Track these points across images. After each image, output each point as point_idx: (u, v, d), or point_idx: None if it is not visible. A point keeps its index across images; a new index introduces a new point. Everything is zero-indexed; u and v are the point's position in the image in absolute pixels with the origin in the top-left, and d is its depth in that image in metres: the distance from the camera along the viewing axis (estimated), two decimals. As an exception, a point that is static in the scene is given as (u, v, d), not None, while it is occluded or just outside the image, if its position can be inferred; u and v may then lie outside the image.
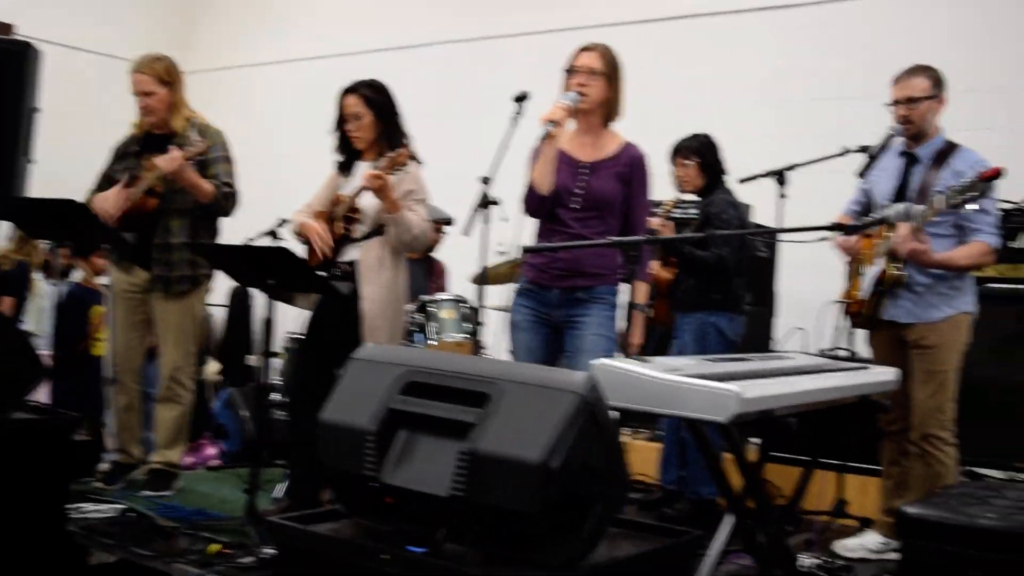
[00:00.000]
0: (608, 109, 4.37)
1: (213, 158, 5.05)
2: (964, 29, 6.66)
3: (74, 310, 7.03)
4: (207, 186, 4.97)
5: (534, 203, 4.31)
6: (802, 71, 7.26)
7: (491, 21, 8.84)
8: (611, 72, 4.31)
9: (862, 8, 7.11)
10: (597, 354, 4.10)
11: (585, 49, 4.33)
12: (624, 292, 4.49)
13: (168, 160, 4.82)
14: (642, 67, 7.72)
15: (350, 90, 4.76)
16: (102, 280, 6.79)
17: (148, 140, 5.15)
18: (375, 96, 4.74)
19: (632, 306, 4.44)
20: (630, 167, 4.37)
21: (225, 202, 5.08)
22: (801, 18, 7.36)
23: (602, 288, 4.32)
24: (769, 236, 5.95)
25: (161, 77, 5.07)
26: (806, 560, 4.29)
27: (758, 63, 7.50)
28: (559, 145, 4.32)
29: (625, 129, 4.50)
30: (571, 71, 4.33)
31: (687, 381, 2.58)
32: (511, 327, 4.45)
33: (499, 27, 8.74)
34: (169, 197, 5.03)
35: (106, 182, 5.18)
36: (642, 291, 4.43)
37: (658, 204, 5.62)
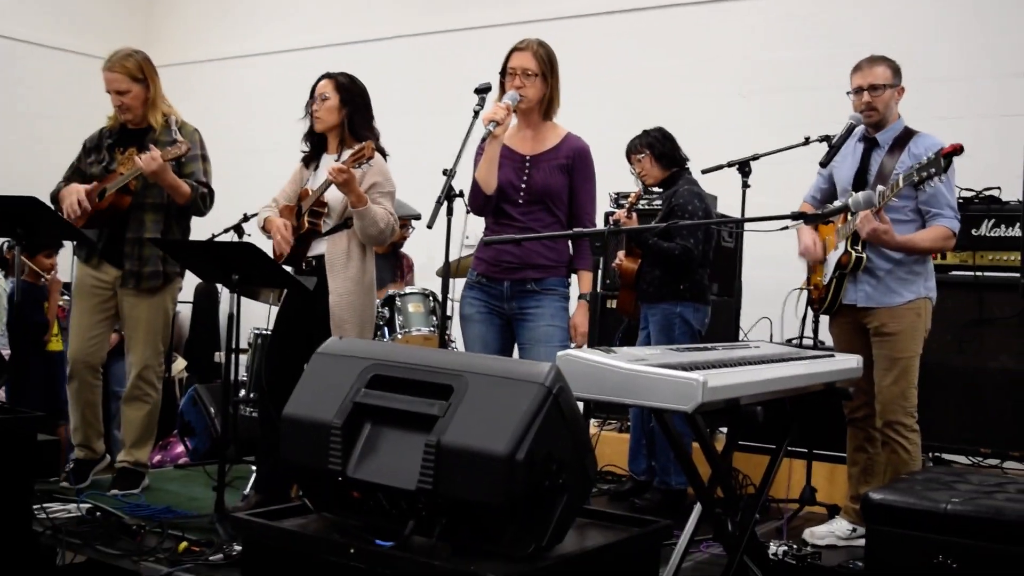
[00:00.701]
0: (547, 104, 4.41)
1: (190, 157, 5.00)
2: (928, 19, 6.71)
3: (30, 306, 6.96)
4: (185, 187, 4.93)
5: (479, 201, 4.36)
6: (768, 61, 7.29)
7: (459, 14, 8.82)
8: (546, 69, 4.34)
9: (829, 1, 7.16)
10: (553, 344, 4.16)
11: (518, 49, 4.35)
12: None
13: (149, 160, 4.77)
14: (605, 58, 7.83)
15: (326, 75, 4.79)
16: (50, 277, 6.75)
17: (123, 133, 5.11)
18: (346, 82, 4.76)
19: (579, 296, 4.44)
20: (571, 158, 4.40)
21: (202, 202, 5.05)
22: (766, 9, 7.39)
23: (553, 280, 4.35)
24: (733, 226, 5.97)
25: (134, 74, 5.02)
26: (775, 548, 4.31)
27: (725, 54, 7.53)
28: (506, 141, 4.37)
29: (571, 120, 4.53)
30: (506, 72, 4.36)
31: (651, 371, 2.60)
32: (462, 320, 4.48)
33: (467, 20, 8.73)
34: (143, 192, 4.99)
35: (75, 174, 5.14)
36: (587, 280, 4.44)
37: (624, 196, 5.65)
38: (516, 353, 4.47)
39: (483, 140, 4.26)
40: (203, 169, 5.11)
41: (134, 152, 4.94)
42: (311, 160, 4.85)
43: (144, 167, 4.77)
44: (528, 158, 4.40)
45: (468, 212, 4.36)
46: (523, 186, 4.36)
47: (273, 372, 4.72)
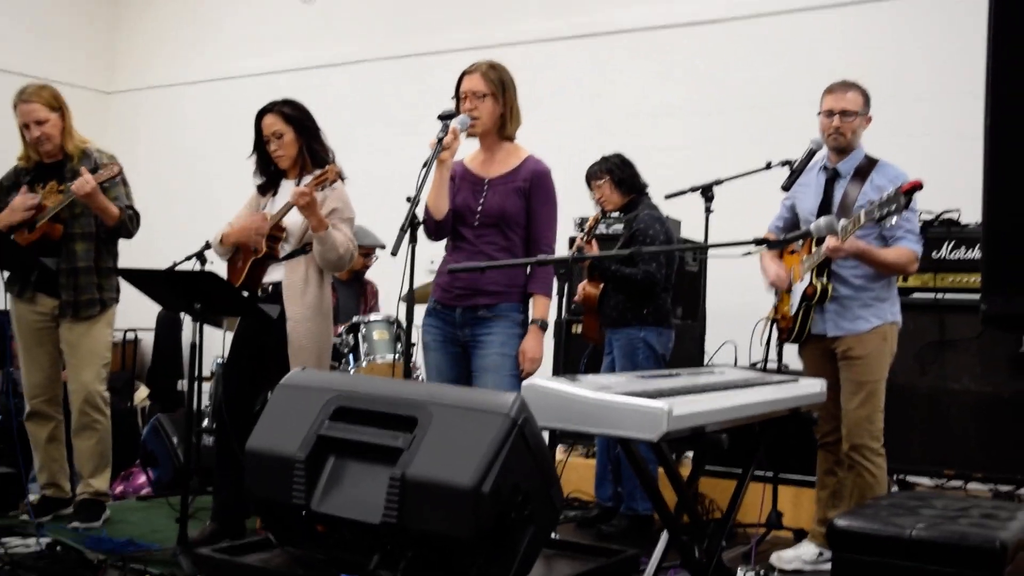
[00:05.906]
0: (502, 124, 4.35)
1: (114, 182, 5.01)
2: (890, 39, 6.76)
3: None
4: (114, 209, 4.94)
5: (431, 227, 4.33)
6: (729, 83, 7.33)
7: (423, 38, 8.82)
8: (496, 89, 4.29)
9: (789, 22, 7.19)
10: (501, 374, 4.12)
11: (467, 73, 4.33)
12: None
13: (82, 184, 4.76)
14: (570, 82, 7.85)
15: (266, 110, 4.76)
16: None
17: (39, 169, 5.09)
18: (294, 113, 4.74)
19: (531, 321, 4.34)
20: (529, 181, 4.32)
21: (130, 223, 5.06)
22: (728, 32, 7.43)
23: (504, 305, 4.26)
24: (697, 251, 5.99)
25: (51, 104, 5.03)
26: (743, 573, 4.30)
27: (686, 76, 7.56)
28: (467, 164, 4.40)
29: (531, 145, 4.49)
30: (458, 97, 4.34)
31: (616, 399, 2.58)
32: (423, 348, 4.43)
33: (430, 44, 8.72)
34: (71, 222, 4.99)
35: None
36: (541, 305, 4.32)
37: (585, 221, 5.66)
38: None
39: (425, 165, 4.16)
40: (126, 193, 5.13)
41: (55, 185, 4.97)
42: (267, 188, 4.84)
43: (77, 191, 4.77)
44: (486, 181, 4.36)
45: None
46: (479, 209, 4.32)
47: (230, 399, 4.67)
